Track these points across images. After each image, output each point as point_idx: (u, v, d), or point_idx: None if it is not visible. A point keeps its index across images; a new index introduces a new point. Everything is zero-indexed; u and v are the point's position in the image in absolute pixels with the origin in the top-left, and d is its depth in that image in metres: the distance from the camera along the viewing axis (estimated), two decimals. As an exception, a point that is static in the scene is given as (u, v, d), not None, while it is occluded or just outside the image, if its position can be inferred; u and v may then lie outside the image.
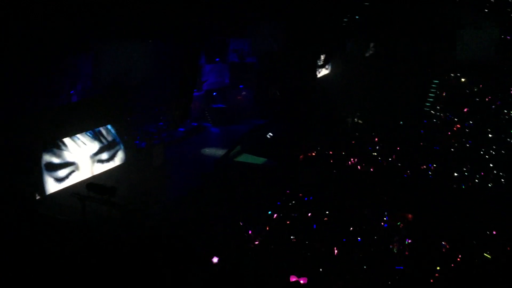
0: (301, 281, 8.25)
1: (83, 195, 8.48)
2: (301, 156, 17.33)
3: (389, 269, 10.70)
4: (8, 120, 10.24)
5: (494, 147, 17.17)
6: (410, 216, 13.45)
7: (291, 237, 11.71)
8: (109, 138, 12.77)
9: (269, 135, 19.08)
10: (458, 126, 19.24)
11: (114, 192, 7.76)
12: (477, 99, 20.15)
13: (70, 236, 7.93)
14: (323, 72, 22.92)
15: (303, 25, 19.27)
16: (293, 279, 8.35)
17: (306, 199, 13.99)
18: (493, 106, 19.39)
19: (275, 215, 12.93)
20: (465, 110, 19.75)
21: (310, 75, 21.71)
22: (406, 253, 11.60)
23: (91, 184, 8.56)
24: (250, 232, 12.02)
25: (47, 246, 7.22)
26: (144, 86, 15.91)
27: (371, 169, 16.25)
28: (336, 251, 11.28)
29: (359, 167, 16.57)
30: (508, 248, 11.31)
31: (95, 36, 13.49)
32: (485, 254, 11.06)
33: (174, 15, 14.93)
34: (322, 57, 22.65)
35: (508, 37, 19.31)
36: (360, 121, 20.80)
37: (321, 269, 10.43)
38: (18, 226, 7.97)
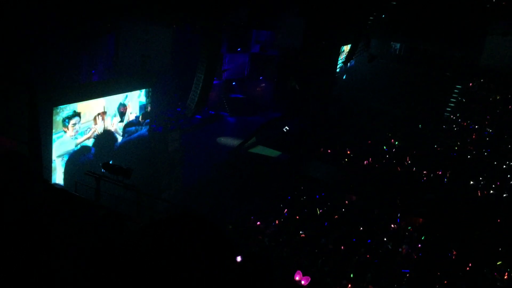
0: (303, 282, 8.19)
1: (98, 174, 8.54)
2: (321, 149, 17.38)
3: (395, 272, 10.68)
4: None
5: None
6: (420, 220, 13.36)
7: (300, 232, 11.72)
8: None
9: (285, 129, 19.04)
10: (477, 133, 18.98)
11: (130, 174, 7.75)
12: (499, 108, 19.85)
13: (78, 212, 7.96)
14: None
15: (326, 22, 19.10)
16: (298, 275, 8.31)
17: (317, 196, 13.96)
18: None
19: (286, 209, 12.95)
20: (486, 117, 19.46)
21: (329, 72, 21.59)
22: (415, 256, 11.55)
23: (107, 164, 8.60)
24: (258, 224, 12.06)
25: (53, 219, 7.25)
26: (164, 71, 15.96)
27: (385, 171, 16.14)
28: (343, 250, 11.27)
29: (373, 167, 16.47)
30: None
31: (118, 18, 13.55)
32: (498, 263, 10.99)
33: (198, 2, 14.92)
34: (345, 54, 22.50)
35: None
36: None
37: (326, 267, 10.45)
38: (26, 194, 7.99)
